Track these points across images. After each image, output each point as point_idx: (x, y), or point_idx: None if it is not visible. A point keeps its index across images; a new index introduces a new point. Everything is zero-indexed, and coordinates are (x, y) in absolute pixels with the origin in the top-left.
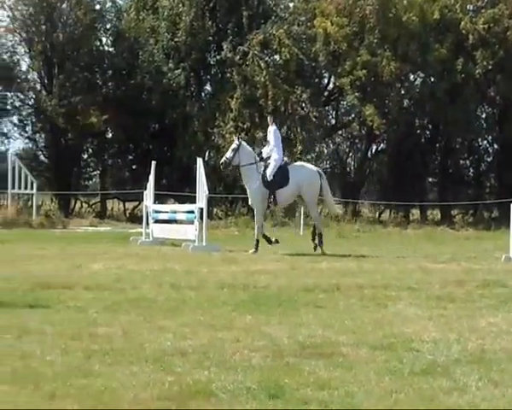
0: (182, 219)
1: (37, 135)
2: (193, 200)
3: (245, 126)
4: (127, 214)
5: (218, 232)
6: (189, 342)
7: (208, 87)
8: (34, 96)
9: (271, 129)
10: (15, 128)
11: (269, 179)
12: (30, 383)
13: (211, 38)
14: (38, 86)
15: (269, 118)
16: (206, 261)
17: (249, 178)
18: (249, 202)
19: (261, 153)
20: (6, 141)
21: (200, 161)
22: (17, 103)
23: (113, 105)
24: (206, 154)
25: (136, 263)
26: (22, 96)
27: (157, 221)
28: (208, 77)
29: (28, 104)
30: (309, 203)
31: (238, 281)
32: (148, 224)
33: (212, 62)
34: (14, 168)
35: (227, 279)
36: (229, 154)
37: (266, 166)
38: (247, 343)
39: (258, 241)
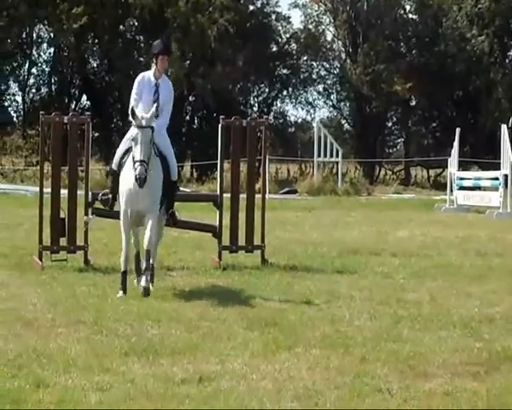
0: (486, 185)
1: (342, 103)
2: (497, 166)
3: None
4: (431, 181)
5: None
6: (496, 308)
7: None
8: (339, 65)
9: None
10: (320, 97)
11: None
12: (340, 347)
13: None
14: (343, 55)
15: None
16: (511, 228)
17: None
18: None
19: None
20: (312, 110)
21: (504, 127)
22: (322, 72)
23: (416, 73)
24: (511, 120)
25: (441, 230)
26: (327, 66)
27: (461, 188)
28: None
29: (333, 73)
30: None
31: None
32: (452, 191)
33: None
34: (319, 137)
35: None
36: None
37: None
38: None
39: None
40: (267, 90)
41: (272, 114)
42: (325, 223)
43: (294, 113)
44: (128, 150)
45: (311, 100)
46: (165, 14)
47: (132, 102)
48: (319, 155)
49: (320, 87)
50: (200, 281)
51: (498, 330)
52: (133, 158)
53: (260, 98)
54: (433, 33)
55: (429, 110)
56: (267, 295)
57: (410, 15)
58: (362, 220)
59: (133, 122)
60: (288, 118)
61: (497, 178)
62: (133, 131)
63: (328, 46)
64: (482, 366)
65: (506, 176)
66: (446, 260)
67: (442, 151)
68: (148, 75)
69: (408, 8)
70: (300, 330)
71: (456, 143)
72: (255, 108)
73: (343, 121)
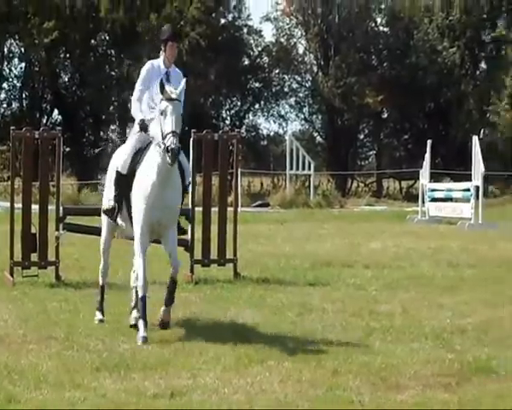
0: (458, 197)
1: (314, 116)
2: (468, 178)
3: None
4: (403, 193)
5: (493, 210)
6: (467, 319)
7: (483, 65)
8: (311, 78)
9: None
10: (292, 110)
11: None
12: (312, 359)
13: (485, 15)
14: (315, 68)
15: None
16: (483, 239)
17: None
18: None
19: None
20: (284, 123)
21: (475, 138)
22: (294, 85)
23: (388, 85)
24: (481, 132)
25: (413, 241)
26: (299, 79)
27: (433, 199)
28: (483, 55)
29: (305, 86)
30: None
31: None
32: (423, 202)
33: (486, 40)
34: (291, 150)
35: (505, 257)
36: None
37: None
38: None
39: None
40: (239, 103)
41: (244, 127)
42: (298, 236)
43: (267, 126)
44: (140, 150)
45: (283, 113)
46: (137, 28)
47: (136, 93)
48: (291, 168)
49: (292, 100)
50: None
51: (470, 341)
52: (162, 133)
53: (232, 111)
54: (405, 46)
55: (401, 122)
56: (239, 309)
57: (382, 28)
58: (334, 232)
59: (160, 98)
60: (260, 131)
61: (468, 190)
62: (162, 105)
63: (300, 59)
64: (454, 378)
65: (477, 187)
66: (419, 272)
67: (414, 163)
68: (158, 63)
69: (379, 20)
70: (272, 344)
71: (427, 155)
72: (227, 122)
73: (315, 134)
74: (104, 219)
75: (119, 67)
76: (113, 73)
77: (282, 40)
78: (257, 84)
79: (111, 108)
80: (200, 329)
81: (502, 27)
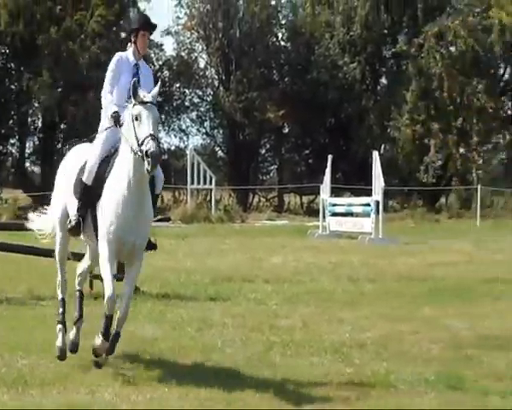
0: (358, 211)
1: (215, 131)
2: (369, 193)
3: (420, 118)
4: (304, 208)
5: (394, 225)
6: (367, 334)
7: (384, 80)
8: (212, 93)
9: None
10: (193, 124)
11: None
12: (211, 375)
13: (386, 31)
14: (216, 83)
15: None
16: (383, 254)
17: None
18: None
19: None
20: (185, 137)
21: (375, 153)
22: (195, 100)
23: (289, 100)
24: (382, 147)
25: (314, 256)
26: (200, 93)
27: (334, 214)
28: (383, 70)
29: (206, 100)
30: None
31: (415, 273)
32: (324, 217)
33: (387, 55)
34: (192, 164)
35: (404, 271)
36: None
37: None
38: (426, 335)
39: None
40: None
41: None
42: (199, 251)
43: (168, 140)
44: (107, 158)
45: (184, 127)
46: (37, 42)
47: (107, 87)
48: (193, 183)
49: (193, 114)
50: (72, 310)
51: (369, 355)
52: (137, 139)
53: None
54: (306, 61)
55: (302, 137)
56: (139, 324)
57: (283, 43)
58: (236, 247)
59: (131, 102)
60: (161, 145)
61: (368, 205)
62: (135, 110)
63: (201, 73)
64: (353, 392)
65: (378, 202)
66: (319, 286)
67: (315, 178)
68: (126, 55)
69: (280, 35)
70: (172, 360)
71: (328, 170)
72: None
73: (216, 148)
74: (57, 226)
75: (18, 81)
76: (12, 87)
77: (183, 54)
78: (158, 98)
79: (10, 121)
80: None
81: (402, 43)
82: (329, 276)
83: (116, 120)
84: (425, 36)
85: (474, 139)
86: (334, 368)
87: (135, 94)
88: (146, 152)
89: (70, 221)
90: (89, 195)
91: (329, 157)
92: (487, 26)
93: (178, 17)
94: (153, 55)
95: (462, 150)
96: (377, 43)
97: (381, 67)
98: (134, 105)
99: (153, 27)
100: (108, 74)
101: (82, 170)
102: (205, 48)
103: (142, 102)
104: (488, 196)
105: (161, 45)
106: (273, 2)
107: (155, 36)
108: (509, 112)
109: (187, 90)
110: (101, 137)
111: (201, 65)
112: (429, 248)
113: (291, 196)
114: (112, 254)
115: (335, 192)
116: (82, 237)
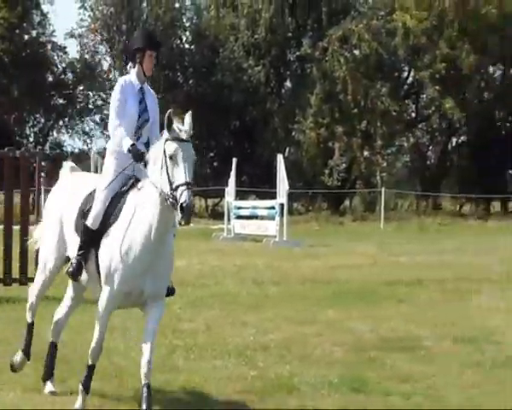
0: (263, 214)
1: None
2: (273, 196)
3: (325, 122)
4: (209, 211)
5: (298, 227)
6: (271, 336)
7: (288, 83)
8: None
9: None
10: (97, 127)
11: None
12: (115, 378)
13: (290, 34)
14: None
15: None
16: (288, 256)
17: None
18: None
19: None
20: (89, 140)
21: (280, 156)
22: (99, 102)
23: (194, 103)
24: (287, 150)
25: (219, 259)
26: (104, 96)
27: (238, 217)
28: (288, 73)
29: (110, 103)
30: None
31: (320, 276)
32: (229, 220)
33: (291, 59)
34: (96, 167)
35: (309, 274)
36: None
37: None
38: (329, 337)
39: None
40: (43, 120)
41: (48, 144)
42: None
43: (71, 143)
44: (114, 200)
45: (87, 130)
46: None
47: (115, 120)
48: None
49: (97, 117)
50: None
51: (273, 357)
52: (171, 183)
53: (36, 129)
54: (210, 63)
55: (207, 140)
56: (43, 328)
57: (187, 45)
58: None
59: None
60: (64, 148)
61: (273, 207)
62: (170, 147)
63: (105, 76)
64: (256, 395)
65: (282, 205)
66: (223, 289)
67: (220, 181)
68: (129, 78)
69: (184, 38)
70: (75, 363)
71: (233, 173)
72: (31, 139)
73: None
74: (48, 265)
75: None
76: None
77: (87, 57)
78: (61, 101)
79: None
80: (1, 349)
81: (307, 46)
82: (234, 279)
83: (139, 157)
84: (329, 39)
85: (378, 142)
86: (237, 371)
87: (169, 127)
88: (181, 205)
89: (71, 264)
90: (94, 235)
91: (234, 160)
92: (391, 29)
93: (82, 19)
94: (56, 57)
95: (366, 153)
96: (282, 46)
97: (286, 71)
98: (167, 140)
99: (160, 46)
100: (114, 104)
101: (83, 211)
102: (108, 50)
103: (178, 139)
104: (392, 198)
105: (65, 48)
106: (177, 5)
107: (59, 38)
108: (413, 115)
109: (90, 93)
110: (108, 173)
111: (105, 67)
112: (333, 250)
113: (196, 198)
114: (116, 304)
115: (240, 195)
116: (81, 279)
